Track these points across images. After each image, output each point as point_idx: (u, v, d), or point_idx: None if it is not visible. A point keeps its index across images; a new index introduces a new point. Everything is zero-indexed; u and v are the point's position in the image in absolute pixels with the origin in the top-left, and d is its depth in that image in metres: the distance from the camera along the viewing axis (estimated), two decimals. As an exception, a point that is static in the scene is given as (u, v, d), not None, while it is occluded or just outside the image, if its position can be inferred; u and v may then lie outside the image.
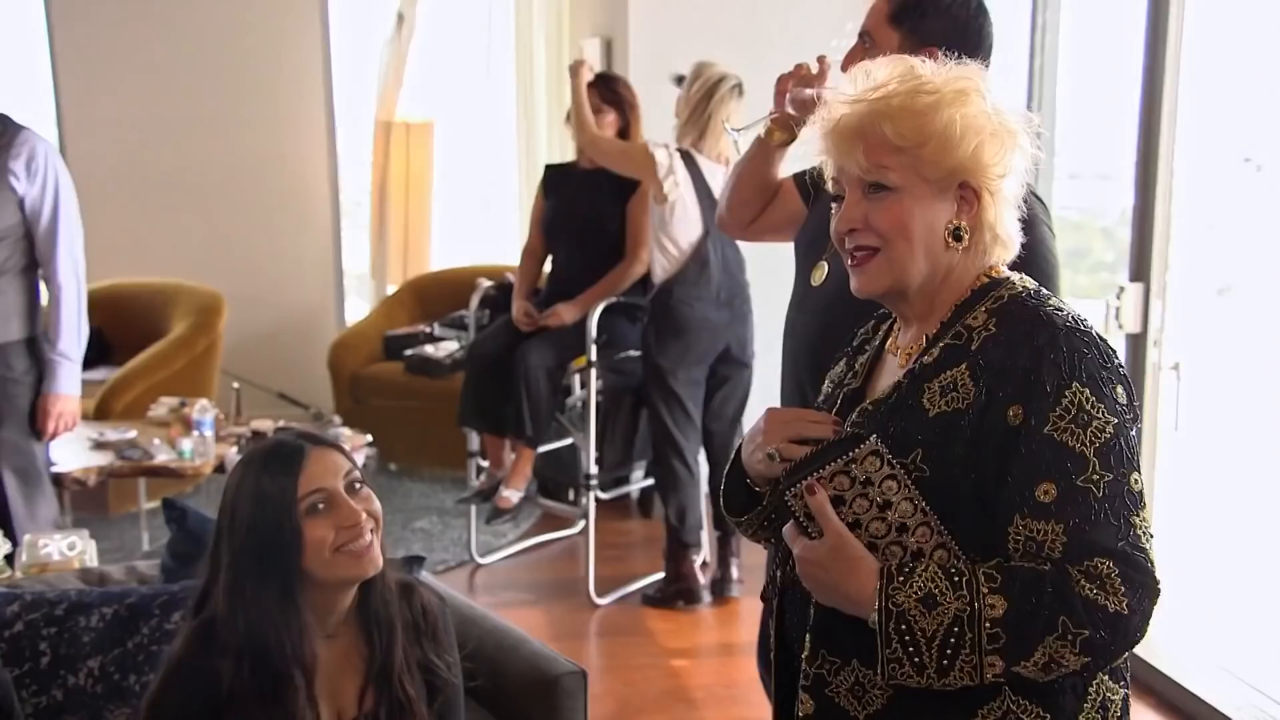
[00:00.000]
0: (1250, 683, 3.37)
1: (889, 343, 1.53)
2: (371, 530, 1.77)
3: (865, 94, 1.40)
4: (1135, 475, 1.31)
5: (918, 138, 1.36)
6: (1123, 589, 1.26)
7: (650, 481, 4.89)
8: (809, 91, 2.25)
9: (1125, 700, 1.42)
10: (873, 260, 1.42)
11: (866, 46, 2.27)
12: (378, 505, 1.80)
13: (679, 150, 4.05)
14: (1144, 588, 1.27)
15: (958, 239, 1.40)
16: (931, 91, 1.37)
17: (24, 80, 6.26)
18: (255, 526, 1.73)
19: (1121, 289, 3.40)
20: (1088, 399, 1.30)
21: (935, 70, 1.41)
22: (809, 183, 2.50)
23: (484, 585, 4.54)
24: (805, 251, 2.45)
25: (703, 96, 4.00)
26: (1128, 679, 1.43)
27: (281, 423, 4.49)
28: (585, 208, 4.41)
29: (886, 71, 1.41)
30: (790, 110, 2.29)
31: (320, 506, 1.73)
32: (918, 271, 1.41)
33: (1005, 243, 1.44)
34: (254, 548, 1.73)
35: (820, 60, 2.30)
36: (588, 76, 4.26)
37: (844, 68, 2.30)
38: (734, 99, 4.02)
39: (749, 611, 4.15)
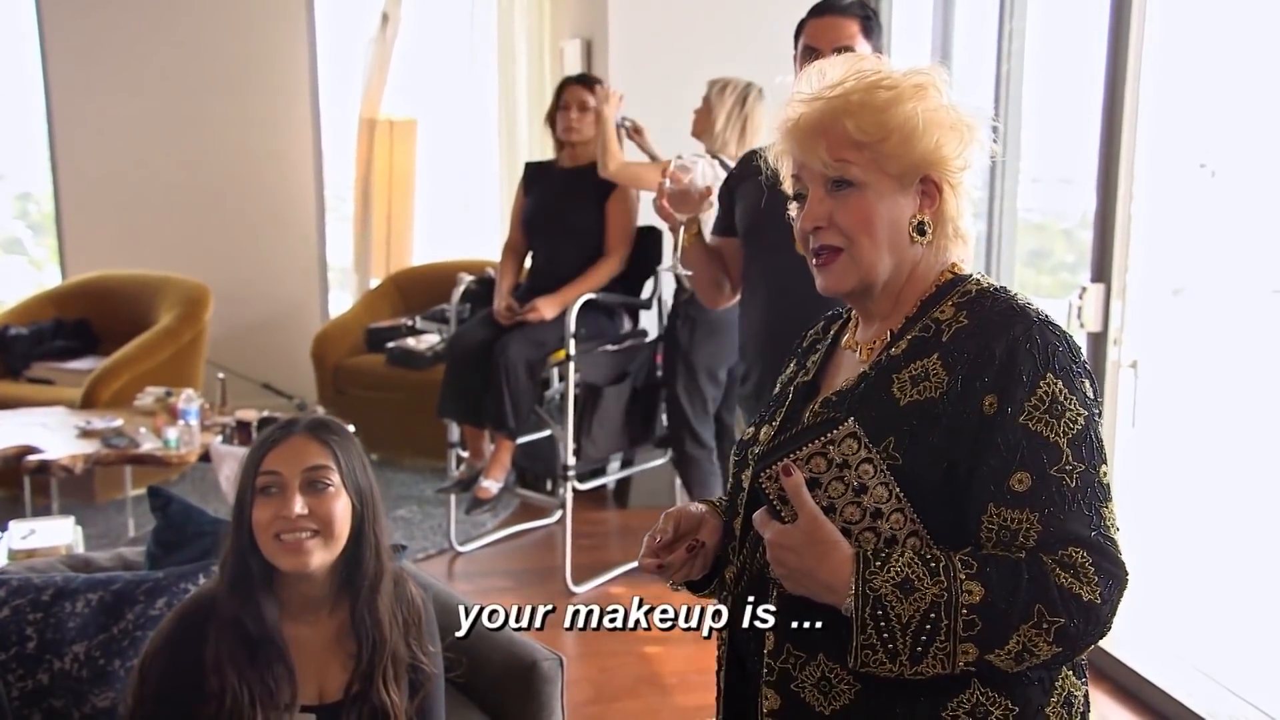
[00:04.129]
0: (1209, 674, 3.43)
1: (845, 339, 1.52)
2: (314, 533, 1.75)
3: (823, 92, 1.39)
4: (1104, 467, 1.31)
5: (880, 132, 1.36)
6: (1096, 578, 1.26)
7: (625, 473, 4.97)
8: (680, 186, 2.69)
9: (1086, 696, 1.42)
10: (837, 260, 1.41)
11: None
12: (337, 512, 1.77)
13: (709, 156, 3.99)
14: (1115, 578, 1.27)
15: (921, 233, 1.40)
16: (890, 86, 1.37)
17: (15, 78, 6.29)
18: (238, 494, 1.79)
19: (1083, 289, 3.45)
20: (1060, 390, 1.30)
21: (890, 66, 1.40)
22: (732, 181, 2.94)
23: (463, 573, 4.57)
24: (778, 226, 2.68)
25: (737, 100, 4.01)
26: (1086, 675, 1.43)
27: (265, 413, 4.52)
28: (563, 205, 4.43)
29: (842, 69, 1.41)
30: (680, 213, 2.70)
31: (272, 490, 1.75)
32: (883, 268, 1.40)
33: (964, 237, 1.44)
34: (233, 514, 1.80)
35: (664, 169, 2.79)
36: (618, 108, 4.22)
37: None
38: (762, 100, 4.04)
39: (721, 600, 4.21)
